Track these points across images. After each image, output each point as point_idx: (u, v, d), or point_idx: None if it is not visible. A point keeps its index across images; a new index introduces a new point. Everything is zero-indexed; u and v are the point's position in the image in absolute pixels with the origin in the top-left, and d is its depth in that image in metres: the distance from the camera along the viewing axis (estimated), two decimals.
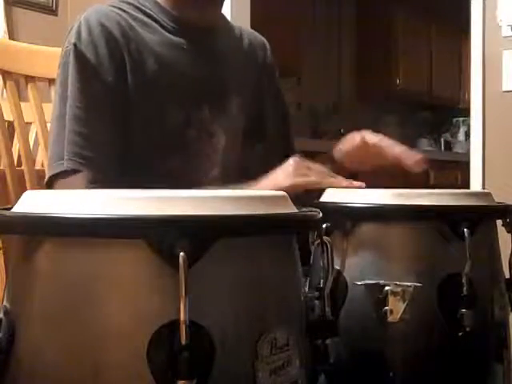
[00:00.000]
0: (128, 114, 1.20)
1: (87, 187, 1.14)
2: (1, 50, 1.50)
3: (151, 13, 1.27)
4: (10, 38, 3.19)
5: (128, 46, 1.21)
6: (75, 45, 1.20)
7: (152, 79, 1.22)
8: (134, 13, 1.26)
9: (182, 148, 1.24)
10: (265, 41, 1.47)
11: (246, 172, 1.29)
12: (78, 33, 1.20)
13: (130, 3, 1.28)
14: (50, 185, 1.19)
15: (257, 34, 1.48)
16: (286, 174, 1.13)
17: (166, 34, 1.27)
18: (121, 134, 1.20)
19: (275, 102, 1.46)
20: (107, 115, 1.19)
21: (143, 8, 1.27)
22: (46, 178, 1.19)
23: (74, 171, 1.15)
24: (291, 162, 1.14)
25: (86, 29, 1.20)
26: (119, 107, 1.19)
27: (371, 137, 1.25)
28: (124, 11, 1.25)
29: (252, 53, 1.42)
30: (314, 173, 1.13)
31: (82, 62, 1.19)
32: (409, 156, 1.19)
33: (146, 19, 1.26)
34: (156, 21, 1.27)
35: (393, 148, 1.21)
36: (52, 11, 3.54)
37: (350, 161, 1.29)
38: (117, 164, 1.18)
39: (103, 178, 1.14)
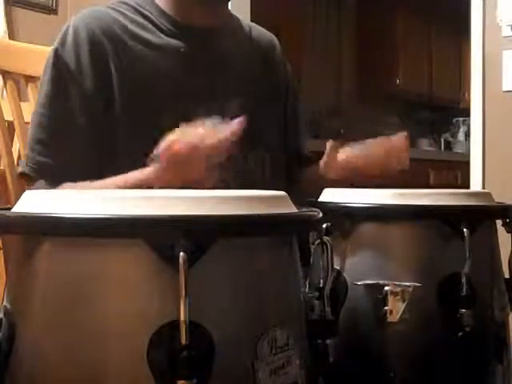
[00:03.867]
0: (113, 119, 1.19)
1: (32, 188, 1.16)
2: (1, 50, 1.51)
3: (150, 15, 1.26)
4: (10, 38, 3.19)
5: (116, 52, 1.19)
6: (56, 50, 1.19)
7: (147, 83, 1.21)
8: (131, 15, 1.25)
9: None
10: (274, 38, 1.46)
11: (247, 175, 1.28)
12: (63, 38, 1.20)
13: (128, 4, 1.27)
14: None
15: (266, 31, 1.46)
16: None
17: (164, 37, 1.25)
18: (97, 142, 1.19)
19: (285, 101, 1.44)
20: (80, 124, 1.18)
21: (142, 10, 1.26)
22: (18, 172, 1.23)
23: (28, 176, 1.17)
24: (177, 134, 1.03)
25: (72, 33, 1.19)
26: (99, 114, 1.18)
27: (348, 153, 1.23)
28: (121, 13, 1.24)
29: (260, 52, 1.40)
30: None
31: (60, 69, 1.19)
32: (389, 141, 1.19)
33: (143, 21, 1.25)
34: (154, 23, 1.25)
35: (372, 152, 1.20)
36: (52, 11, 3.54)
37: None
38: (93, 172, 1.16)
39: (60, 185, 1.14)
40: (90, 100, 1.18)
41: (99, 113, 1.18)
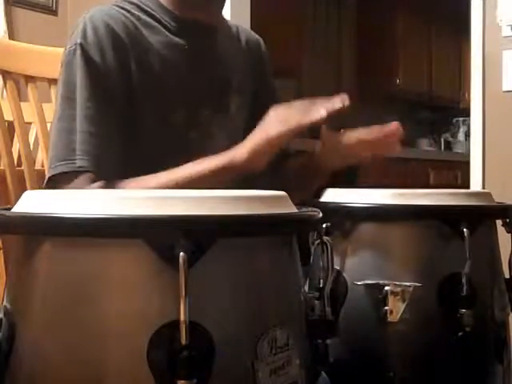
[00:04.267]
0: (132, 114, 1.20)
1: (91, 187, 1.14)
2: (1, 49, 1.50)
3: (154, 13, 1.27)
4: (9, 38, 3.18)
5: (133, 47, 1.20)
6: (81, 44, 1.18)
7: (155, 80, 1.22)
8: (137, 13, 1.26)
9: (183, 149, 1.24)
10: (259, 39, 1.47)
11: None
12: (84, 32, 1.19)
13: (132, 3, 1.27)
14: (49, 186, 1.18)
15: (252, 32, 1.48)
16: (269, 125, 1.13)
17: (169, 34, 1.26)
18: (125, 134, 1.20)
19: (271, 100, 1.46)
20: (114, 115, 1.19)
21: (146, 8, 1.27)
22: (46, 178, 1.18)
23: (79, 172, 1.15)
24: (271, 113, 1.14)
25: (91, 29, 1.19)
26: (123, 108, 1.19)
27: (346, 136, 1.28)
28: (128, 11, 1.25)
29: (249, 52, 1.42)
30: (295, 115, 1.13)
31: (89, 62, 1.18)
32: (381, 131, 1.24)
33: (148, 20, 1.26)
34: (158, 21, 1.27)
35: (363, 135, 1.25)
36: (52, 11, 3.54)
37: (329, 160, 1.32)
38: (122, 164, 1.18)
39: (111, 177, 1.14)
40: (117, 92, 1.18)
41: (127, 104, 1.19)
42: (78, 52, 1.18)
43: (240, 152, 1.12)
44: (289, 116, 1.13)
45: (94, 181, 1.13)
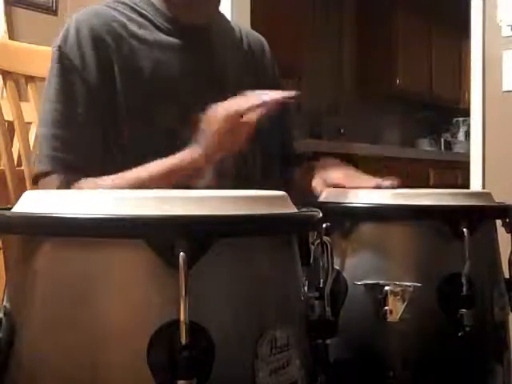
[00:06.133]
0: (117, 115, 1.20)
1: (60, 188, 1.16)
2: (1, 49, 1.50)
3: (146, 13, 1.27)
4: (9, 38, 3.18)
5: (118, 48, 1.21)
6: (59, 47, 1.21)
7: (146, 80, 1.23)
8: (129, 13, 1.26)
9: (175, 148, 1.24)
10: (263, 40, 1.47)
11: (241, 171, 1.28)
12: (65, 35, 1.21)
13: (125, 3, 1.28)
14: (35, 184, 1.22)
15: (255, 33, 1.48)
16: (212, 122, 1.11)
17: (161, 34, 1.27)
18: (106, 135, 1.20)
19: None
20: (89, 118, 1.19)
21: (138, 9, 1.28)
22: (32, 177, 1.22)
23: (48, 173, 1.17)
24: (208, 113, 1.11)
25: (73, 30, 1.21)
26: (104, 109, 1.20)
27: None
28: (119, 11, 1.26)
29: (251, 53, 1.42)
30: (234, 103, 1.10)
31: (65, 65, 1.20)
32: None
33: (141, 20, 1.27)
34: (151, 21, 1.27)
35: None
36: (52, 11, 3.54)
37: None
38: (100, 165, 1.18)
39: (80, 179, 1.15)
40: (95, 94, 1.19)
41: (104, 107, 1.20)
42: (55, 56, 1.20)
43: (184, 157, 1.13)
44: (228, 106, 1.10)
45: (62, 181, 1.15)
